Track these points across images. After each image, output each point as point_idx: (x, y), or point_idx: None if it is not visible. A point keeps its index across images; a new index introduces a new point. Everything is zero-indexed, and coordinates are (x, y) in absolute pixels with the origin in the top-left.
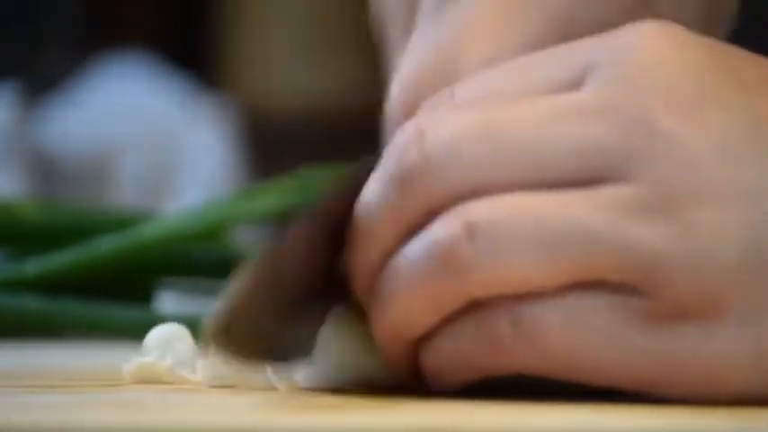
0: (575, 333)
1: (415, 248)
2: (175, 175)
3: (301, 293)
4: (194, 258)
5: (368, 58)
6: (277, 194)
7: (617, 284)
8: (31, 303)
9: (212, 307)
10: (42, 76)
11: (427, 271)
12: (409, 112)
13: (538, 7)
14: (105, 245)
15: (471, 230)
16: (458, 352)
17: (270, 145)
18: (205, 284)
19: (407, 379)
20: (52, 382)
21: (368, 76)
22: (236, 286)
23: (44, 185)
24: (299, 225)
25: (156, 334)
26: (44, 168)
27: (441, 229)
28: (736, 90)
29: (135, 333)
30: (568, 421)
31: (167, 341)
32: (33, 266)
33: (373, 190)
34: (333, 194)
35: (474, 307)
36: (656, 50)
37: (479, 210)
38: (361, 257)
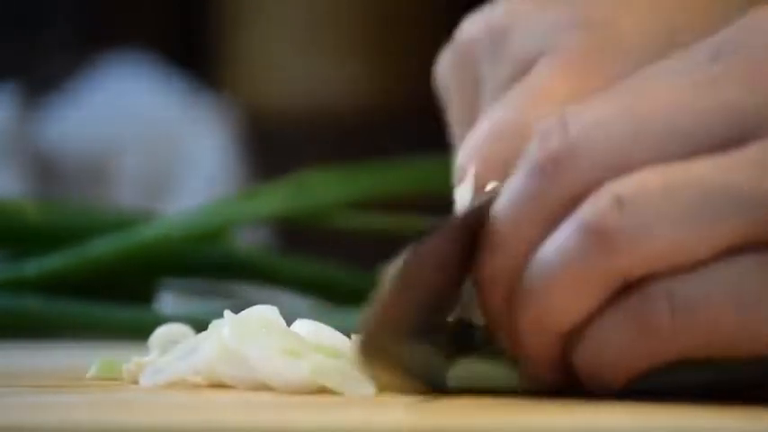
0: (734, 302)
1: (564, 232)
2: (175, 176)
3: (439, 308)
4: (195, 259)
5: (368, 58)
6: (278, 195)
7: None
8: (31, 303)
9: (353, 320)
10: (42, 76)
11: (578, 252)
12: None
13: (607, 73)
14: (105, 245)
15: (620, 203)
16: (614, 344)
17: (270, 145)
18: (206, 285)
19: (553, 383)
20: (52, 382)
21: (368, 76)
22: (378, 300)
23: (44, 185)
24: (435, 238)
25: (160, 333)
26: (44, 168)
27: (589, 208)
28: None
29: (135, 333)
30: (569, 421)
31: (171, 341)
32: (33, 266)
33: (516, 182)
34: (469, 211)
35: (627, 292)
36: None
37: (627, 183)
38: (503, 256)
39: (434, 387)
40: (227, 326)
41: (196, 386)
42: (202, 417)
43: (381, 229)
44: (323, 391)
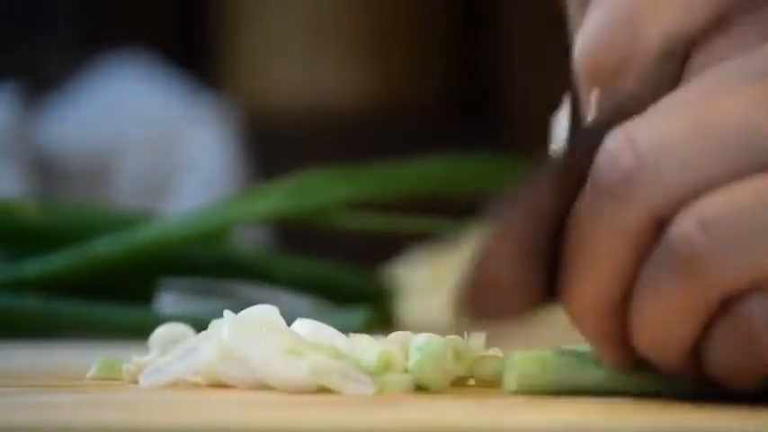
0: None
1: (655, 263)
2: (175, 176)
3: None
4: (195, 259)
5: (368, 58)
6: (278, 196)
7: None
8: (31, 303)
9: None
10: (42, 77)
11: (673, 281)
12: (592, 76)
13: None
14: (105, 245)
15: (705, 226)
16: (728, 359)
17: (270, 145)
18: (206, 285)
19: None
20: (52, 382)
21: (368, 77)
22: (478, 254)
23: (44, 185)
24: (532, 188)
25: (160, 333)
26: (44, 168)
27: (674, 235)
28: None
29: (135, 333)
30: (569, 421)
31: (171, 341)
32: (33, 266)
33: (588, 206)
34: (561, 159)
35: (728, 306)
36: None
37: (708, 205)
38: (592, 286)
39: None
40: (227, 326)
41: (196, 386)
42: (202, 417)
43: (381, 230)
44: (322, 390)
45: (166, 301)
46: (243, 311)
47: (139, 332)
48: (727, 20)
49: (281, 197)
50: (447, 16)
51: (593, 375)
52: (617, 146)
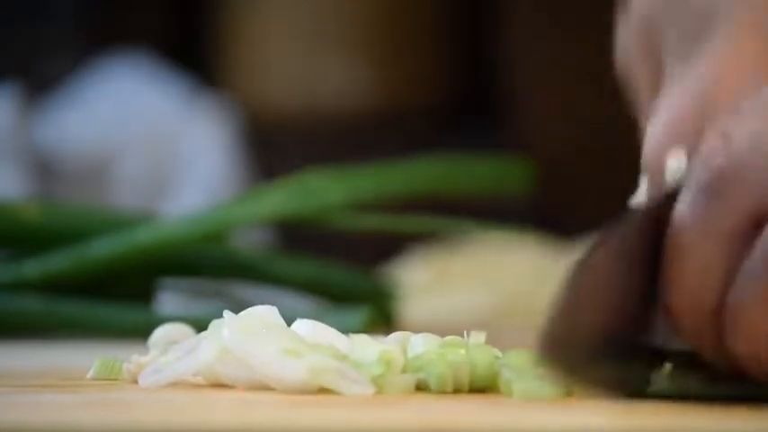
0: None
1: (753, 261)
2: (175, 176)
3: (616, 322)
4: (195, 259)
5: (369, 58)
6: (278, 197)
7: None
8: (31, 303)
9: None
10: (42, 77)
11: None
12: (668, 151)
13: None
14: (105, 245)
15: None
16: None
17: (270, 145)
18: (206, 285)
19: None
20: (52, 382)
21: (368, 77)
22: (559, 307)
23: (44, 186)
24: (617, 235)
25: (160, 333)
26: (44, 169)
27: None
28: None
29: (135, 333)
30: (569, 421)
31: (171, 341)
32: (33, 266)
33: (686, 207)
34: (650, 207)
35: None
36: None
37: None
38: (691, 284)
39: (632, 390)
40: (227, 326)
41: (196, 386)
42: (202, 417)
43: (381, 230)
44: (322, 390)
45: (166, 301)
46: (243, 312)
47: (139, 332)
48: None
49: (281, 198)
50: (448, 17)
51: (708, 384)
52: (712, 144)
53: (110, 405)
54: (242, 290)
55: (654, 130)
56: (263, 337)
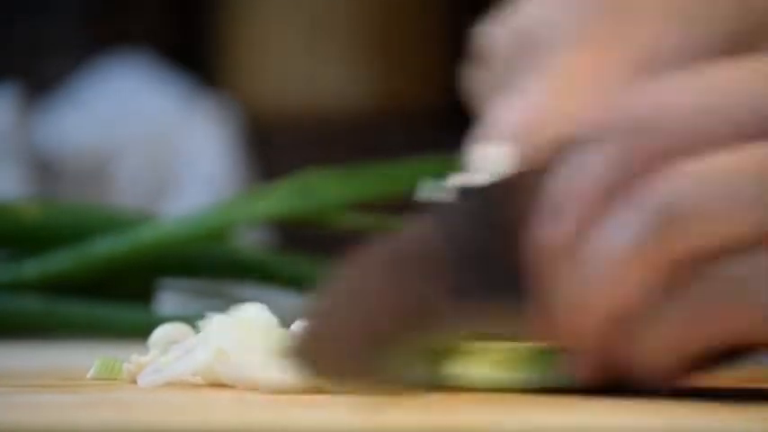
0: None
1: (634, 210)
2: (175, 175)
3: (387, 320)
4: (195, 259)
5: (369, 58)
6: (279, 196)
7: None
8: (31, 303)
9: (292, 323)
10: (42, 77)
11: (643, 230)
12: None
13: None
14: (105, 245)
15: (695, 185)
16: (671, 325)
17: (270, 145)
18: (206, 285)
19: (594, 379)
20: (52, 382)
21: (369, 77)
22: (318, 305)
23: (44, 185)
24: (380, 249)
25: (160, 332)
26: (44, 168)
27: (661, 188)
28: None
29: (135, 333)
30: (568, 421)
31: (171, 340)
32: (33, 266)
33: (593, 147)
34: (418, 223)
35: (686, 274)
36: None
37: (702, 166)
38: (567, 222)
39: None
40: (217, 326)
41: (195, 386)
42: (202, 417)
43: (382, 230)
44: (307, 390)
45: (166, 301)
46: (232, 311)
47: (139, 332)
48: None
49: (281, 198)
50: (447, 17)
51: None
52: (628, 95)
53: (110, 405)
54: (242, 290)
55: (501, 115)
56: (251, 336)
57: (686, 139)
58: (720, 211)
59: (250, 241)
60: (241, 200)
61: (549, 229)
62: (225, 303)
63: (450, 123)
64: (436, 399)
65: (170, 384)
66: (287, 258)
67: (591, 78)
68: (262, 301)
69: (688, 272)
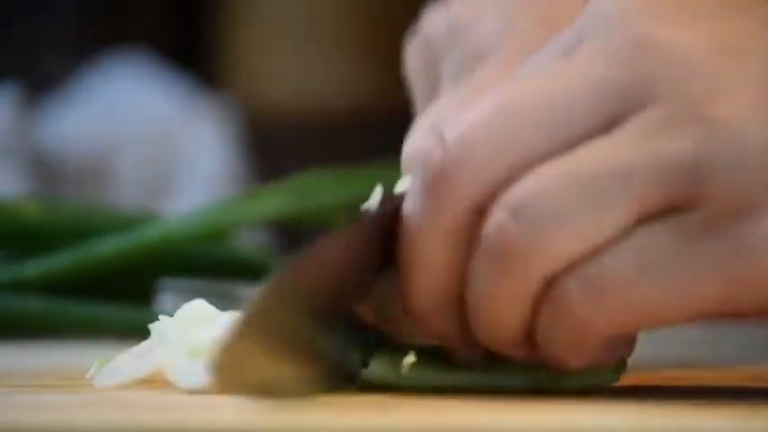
0: (644, 274)
1: (478, 258)
2: (175, 175)
3: (327, 310)
4: (195, 259)
5: (369, 58)
6: (279, 197)
7: (665, 209)
8: (31, 303)
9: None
10: (42, 76)
11: (495, 272)
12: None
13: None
14: (106, 245)
15: (515, 213)
16: (556, 340)
17: (270, 145)
18: (206, 285)
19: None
20: (52, 382)
21: (369, 77)
22: (258, 296)
23: (44, 185)
24: (327, 241)
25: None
26: (44, 168)
27: (489, 226)
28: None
29: (135, 333)
30: (568, 421)
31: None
32: (33, 266)
33: (408, 206)
34: (363, 214)
35: (548, 290)
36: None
37: (517, 190)
38: (424, 283)
39: (342, 383)
40: (169, 326)
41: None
42: (202, 417)
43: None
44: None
45: (166, 301)
46: (179, 310)
47: (139, 332)
48: None
49: (281, 198)
50: None
51: (450, 375)
52: (428, 143)
53: (110, 405)
54: (242, 290)
55: (414, 132)
56: (173, 337)
57: (499, 163)
58: (551, 229)
59: (249, 241)
60: (240, 200)
61: (411, 289)
62: (224, 303)
63: None
64: (435, 399)
65: (170, 385)
66: (287, 258)
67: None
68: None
69: (563, 279)
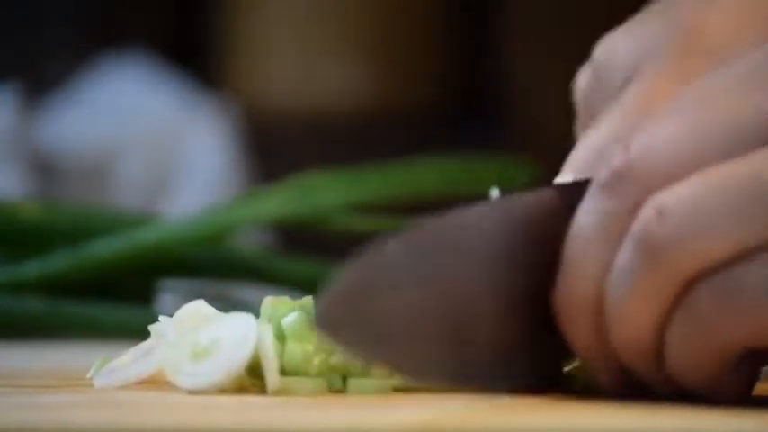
0: None
1: (623, 251)
2: (175, 176)
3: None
4: (196, 260)
5: (369, 58)
6: (279, 198)
7: None
8: (31, 303)
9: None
10: (42, 77)
11: (635, 268)
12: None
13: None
14: (106, 246)
15: (661, 212)
16: (683, 343)
17: (269, 145)
18: (206, 286)
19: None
20: (52, 382)
21: (369, 77)
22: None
23: (44, 185)
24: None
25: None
26: (44, 168)
27: (637, 222)
28: None
29: (135, 333)
30: (569, 421)
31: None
32: (33, 266)
33: (585, 204)
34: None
35: (684, 293)
36: None
37: (670, 192)
38: (580, 279)
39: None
40: (168, 326)
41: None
42: (202, 417)
43: (382, 231)
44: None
45: (167, 301)
46: (178, 311)
47: (139, 332)
48: None
49: (281, 199)
50: (447, 17)
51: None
52: (613, 148)
53: (110, 405)
54: (242, 290)
55: (576, 153)
56: (176, 339)
57: (672, 175)
58: (695, 232)
59: (250, 242)
60: (241, 201)
61: (568, 289)
62: (225, 304)
63: (450, 123)
64: (433, 399)
65: (170, 385)
66: (287, 259)
67: (658, 105)
68: (261, 303)
69: (697, 284)
